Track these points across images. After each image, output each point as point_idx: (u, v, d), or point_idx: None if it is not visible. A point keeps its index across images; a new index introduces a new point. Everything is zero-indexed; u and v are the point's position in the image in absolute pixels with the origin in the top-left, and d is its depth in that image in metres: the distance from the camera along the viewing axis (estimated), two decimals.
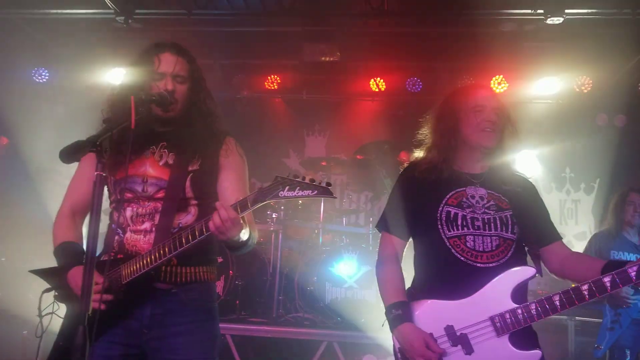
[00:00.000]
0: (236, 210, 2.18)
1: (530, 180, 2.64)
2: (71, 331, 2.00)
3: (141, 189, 2.46)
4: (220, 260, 5.54)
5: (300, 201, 6.44)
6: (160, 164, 2.50)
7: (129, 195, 2.46)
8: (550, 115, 7.57)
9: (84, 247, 2.42)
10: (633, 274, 2.15)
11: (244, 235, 2.31)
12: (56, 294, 2.52)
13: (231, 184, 2.53)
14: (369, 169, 7.28)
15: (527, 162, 7.69)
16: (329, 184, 2.15)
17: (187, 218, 2.46)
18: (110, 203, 2.55)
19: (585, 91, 7.50)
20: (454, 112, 2.56)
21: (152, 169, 2.48)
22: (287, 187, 2.14)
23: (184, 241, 2.24)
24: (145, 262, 2.29)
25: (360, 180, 7.91)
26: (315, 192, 2.13)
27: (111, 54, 7.16)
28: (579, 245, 7.64)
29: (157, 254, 2.27)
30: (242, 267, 5.75)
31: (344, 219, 7.00)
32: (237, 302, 5.65)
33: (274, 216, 6.05)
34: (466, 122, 2.51)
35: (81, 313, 1.93)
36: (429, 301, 2.36)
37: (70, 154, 2.00)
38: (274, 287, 5.79)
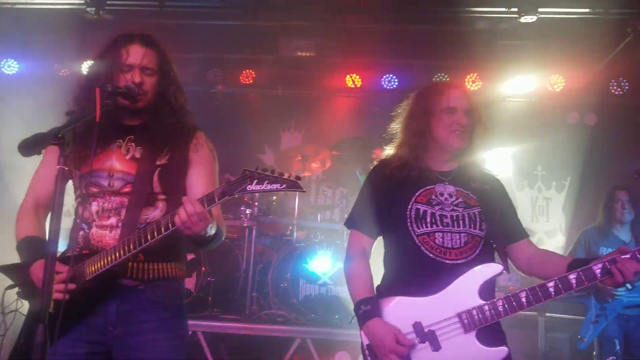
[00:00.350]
0: (202, 204, 2.14)
1: (498, 178, 2.67)
2: (32, 329, 1.95)
3: (107, 183, 2.40)
4: (192, 256, 5.48)
5: (274, 197, 6.40)
6: (127, 157, 2.44)
7: (94, 189, 2.40)
8: (523, 113, 7.65)
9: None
10: (598, 271, 2.19)
11: (211, 230, 2.27)
12: (19, 290, 2.45)
13: (200, 179, 2.49)
14: (345, 165, 7.28)
15: (500, 159, 7.78)
16: (298, 178, 2.12)
17: (154, 213, 2.40)
18: (76, 198, 2.49)
19: (558, 90, 7.60)
20: (425, 111, 2.58)
21: (119, 163, 2.43)
22: (255, 181, 2.11)
23: (149, 236, 2.19)
24: (110, 258, 2.23)
25: (336, 177, 7.90)
26: (284, 185, 2.09)
27: (82, 46, 7.02)
28: (550, 242, 7.76)
29: (122, 250, 2.22)
30: (215, 263, 5.69)
31: (319, 215, 6.99)
32: (210, 298, 5.58)
33: (247, 212, 6.00)
34: (437, 122, 2.53)
35: (41, 310, 1.89)
36: (397, 298, 2.36)
37: (30, 146, 1.95)
38: (247, 283, 5.74)
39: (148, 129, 2.47)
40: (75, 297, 2.23)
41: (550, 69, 7.51)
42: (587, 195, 7.59)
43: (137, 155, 2.44)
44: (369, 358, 2.35)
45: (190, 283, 5.51)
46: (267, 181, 2.10)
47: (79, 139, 2.22)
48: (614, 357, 4.59)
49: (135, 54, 2.42)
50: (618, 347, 4.62)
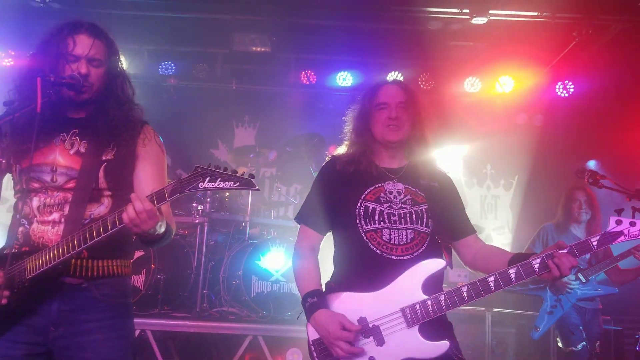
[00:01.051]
0: (152, 201, 2.08)
1: (448, 175, 2.72)
2: None
3: (50, 178, 2.30)
4: (141, 253, 5.37)
5: (227, 193, 6.33)
6: (71, 152, 2.34)
7: (35, 185, 2.30)
8: (474, 113, 7.82)
9: None
10: (536, 266, 2.24)
11: (161, 228, 2.20)
12: None
13: (148, 175, 2.41)
14: (299, 162, 7.26)
15: (450, 158, 7.94)
16: (252, 176, 2.08)
17: (99, 209, 2.32)
18: (15, 193, 2.37)
19: (507, 91, 7.80)
20: (364, 110, 2.65)
21: (62, 158, 2.33)
22: (207, 178, 2.06)
23: (94, 234, 2.11)
24: (52, 255, 2.14)
25: (290, 173, 7.88)
26: (238, 183, 2.05)
27: (27, 35, 6.75)
28: (498, 239, 7.97)
29: (65, 247, 2.13)
30: (165, 260, 5.58)
31: (272, 211, 6.95)
32: (159, 296, 5.47)
33: (199, 208, 5.91)
34: (373, 120, 2.61)
35: None
36: (344, 294, 2.39)
37: None
38: (198, 281, 5.66)
39: (93, 122, 2.37)
40: (14, 296, 2.14)
41: (499, 71, 7.70)
42: (534, 193, 7.84)
43: (82, 149, 2.35)
44: (314, 354, 2.36)
45: (139, 280, 5.38)
46: (220, 179, 2.06)
47: (19, 131, 2.12)
48: (584, 343, 4.77)
49: (83, 44, 2.32)
50: (584, 334, 4.80)
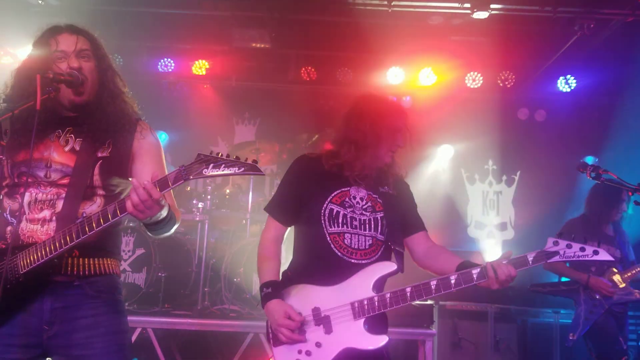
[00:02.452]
0: (155, 187, 2.06)
1: (405, 180, 2.86)
2: None
3: (44, 174, 2.27)
4: (142, 251, 5.35)
5: (227, 190, 6.30)
6: (66, 149, 2.32)
7: (28, 179, 2.26)
8: (475, 108, 7.79)
9: None
10: (475, 275, 2.40)
11: (164, 212, 2.19)
12: None
13: (146, 167, 2.38)
14: None
15: (452, 154, 7.92)
16: (255, 161, 2.07)
17: (92, 208, 2.29)
18: (2, 188, 2.32)
19: (509, 86, 7.77)
20: (375, 127, 2.66)
21: (57, 154, 2.30)
22: (211, 165, 2.05)
23: (94, 224, 2.08)
24: (48, 249, 2.11)
25: None
26: (243, 169, 2.04)
27: (26, 33, 6.70)
28: (500, 235, 7.95)
29: (62, 240, 2.10)
30: (166, 258, 5.56)
31: None
32: (160, 294, 5.45)
33: (200, 206, 5.88)
34: (385, 140, 2.67)
35: None
36: (302, 285, 2.61)
37: None
38: (199, 278, 5.64)
39: (88, 119, 2.35)
40: (6, 295, 2.08)
41: (501, 65, 7.67)
42: (536, 188, 7.81)
43: (77, 147, 2.32)
44: (269, 337, 2.59)
45: (140, 279, 5.36)
46: (223, 165, 2.05)
47: (16, 127, 2.10)
48: (627, 358, 4.50)
49: (67, 41, 2.34)
50: (625, 345, 4.53)
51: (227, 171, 2.04)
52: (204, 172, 2.05)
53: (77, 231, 2.10)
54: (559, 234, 2.45)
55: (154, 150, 2.47)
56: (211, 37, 7.53)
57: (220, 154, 2.07)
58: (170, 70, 7.93)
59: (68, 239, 2.10)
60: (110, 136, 2.35)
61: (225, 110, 8.29)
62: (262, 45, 7.45)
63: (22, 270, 2.13)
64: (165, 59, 7.88)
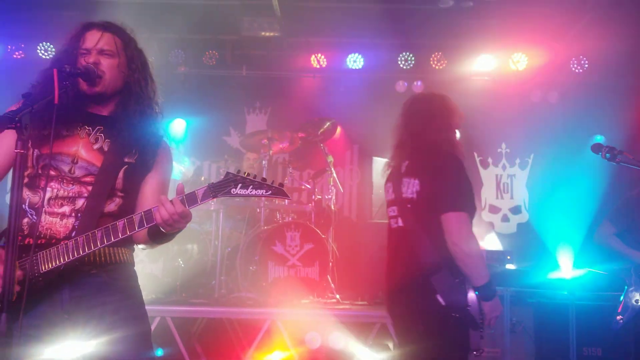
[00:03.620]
0: (183, 203, 2.14)
1: None
2: None
3: (68, 169, 2.30)
4: None
5: None
6: (95, 147, 2.36)
7: (52, 172, 2.29)
8: (487, 92, 7.74)
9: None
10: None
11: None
12: None
13: (155, 183, 2.46)
14: (312, 147, 7.25)
15: (465, 137, 7.86)
16: (281, 185, 2.16)
17: (110, 206, 2.34)
18: (23, 178, 2.25)
19: (521, 68, 7.70)
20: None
21: (85, 151, 2.34)
22: (239, 185, 2.14)
23: (119, 233, 2.16)
24: (70, 255, 2.16)
25: (303, 158, 7.86)
26: (270, 192, 2.14)
27: (37, 28, 6.79)
28: (514, 219, 7.93)
29: (86, 245, 2.16)
30: (182, 247, 5.63)
31: None
32: (178, 283, 5.53)
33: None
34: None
35: (3, 299, 1.81)
36: None
37: None
38: (215, 267, 5.70)
39: (118, 124, 2.40)
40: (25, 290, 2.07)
41: (513, 47, 7.60)
42: (550, 171, 7.75)
43: (105, 147, 2.37)
44: (478, 320, 2.83)
45: (157, 268, 5.44)
46: (251, 186, 2.14)
47: (38, 119, 2.14)
48: None
49: (92, 38, 2.37)
50: None
51: (254, 192, 2.13)
52: (231, 192, 2.15)
53: (101, 237, 2.16)
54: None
55: (167, 171, 2.55)
56: (221, 27, 7.53)
57: (247, 174, 2.16)
58: (181, 61, 7.93)
59: (92, 242, 2.16)
60: (137, 146, 2.41)
61: (237, 99, 8.31)
62: (272, 34, 7.43)
63: (42, 270, 2.16)
64: (176, 50, 7.88)
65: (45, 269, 2.16)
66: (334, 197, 6.53)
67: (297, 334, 5.01)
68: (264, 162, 6.23)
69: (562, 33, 7.20)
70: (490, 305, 2.85)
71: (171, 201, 2.12)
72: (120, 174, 2.35)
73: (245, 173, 2.16)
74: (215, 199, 2.16)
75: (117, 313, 2.28)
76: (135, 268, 2.48)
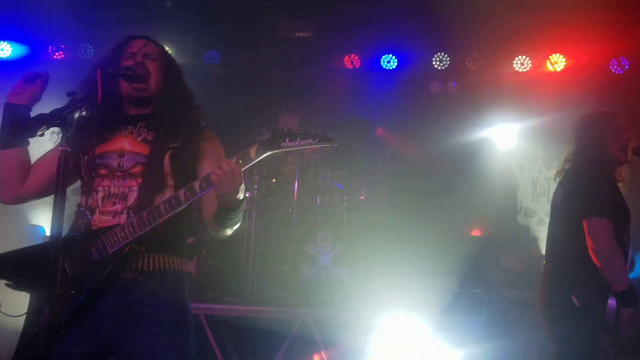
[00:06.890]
0: (238, 162, 2.16)
1: None
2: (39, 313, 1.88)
3: (117, 163, 2.37)
4: (192, 240, 5.47)
5: (273, 179, 6.37)
6: (139, 139, 2.42)
7: (102, 171, 2.36)
8: (524, 93, 7.59)
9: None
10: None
11: (242, 193, 2.24)
12: (9, 283, 2.31)
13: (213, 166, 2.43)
14: (344, 148, 7.23)
15: (502, 140, 7.75)
16: (324, 132, 2.21)
17: (162, 199, 2.35)
18: (81, 186, 2.44)
19: (559, 69, 7.54)
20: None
21: (130, 145, 2.41)
22: (287, 138, 2.18)
23: (182, 199, 2.17)
24: (133, 229, 2.19)
25: (335, 159, 7.85)
26: (317, 140, 2.18)
27: (77, 29, 6.94)
28: None
29: (151, 217, 2.18)
30: (215, 246, 5.68)
31: (318, 197, 6.95)
32: (210, 282, 5.59)
33: (247, 195, 5.96)
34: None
35: (48, 293, 1.83)
36: None
37: (32, 126, 1.92)
38: (247, 266, 5.74)
39: (159, 116, 2.47)
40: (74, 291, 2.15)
41: (550, 49, 7.44)
42: None
43: (150, 137, 2.43)
44: (612, 326, 2.82)
45: (190, 266, 5.50)
46: (299, 138, 2.18)
47: (83, 123, 2.21)
48: None
49: (137, 44, 2.49)
50: None
51: (302, 142, 2.16)
52: (281, 145, 2.18)
53: (164, 208, 2.18)
54: None
55: (220, 154, 2.55)
56: (255, 28, 7.58)
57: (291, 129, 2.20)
58: (215, 62, 8.02)
59: (157, 213, 2.18)
60: (180, 132, 2.44)
61: (270, 100, 8.35)
62: (305, 34, 7.45)
63: (110, 250, 2.20)
64: (211, 51, 7.97)
65: (112, 248, 2.19)
66: (365, 198, 6.50)
67: (328, 334, 5.01)
68: (296, 162, 6.24)
69: (602, 33, 7.02)
70: (630, 312, 2.81)
71: (225, 161, 2.15)
72: (166, 157, 2.38)
73: (288, 129, 2.21)
74: (267, 154, 2.17)
75: (161, 325, 2.27)
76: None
